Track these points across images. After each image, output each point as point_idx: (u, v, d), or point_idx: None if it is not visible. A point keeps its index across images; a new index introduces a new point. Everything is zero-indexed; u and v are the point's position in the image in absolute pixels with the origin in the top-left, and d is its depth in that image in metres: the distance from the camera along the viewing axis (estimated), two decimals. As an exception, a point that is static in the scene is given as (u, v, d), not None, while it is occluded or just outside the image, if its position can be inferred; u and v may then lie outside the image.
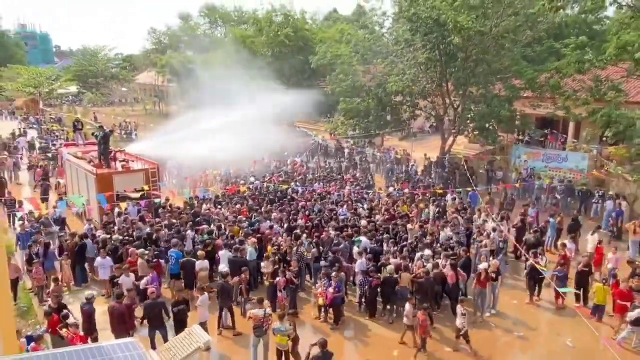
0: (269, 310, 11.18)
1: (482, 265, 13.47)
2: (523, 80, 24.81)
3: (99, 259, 14.62)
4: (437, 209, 19.18)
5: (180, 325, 11.12)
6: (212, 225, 16.99)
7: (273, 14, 39.32)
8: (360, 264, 13.79)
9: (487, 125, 25.63)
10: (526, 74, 24.50)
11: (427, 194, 20.87)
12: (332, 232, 15.67)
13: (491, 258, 14.56)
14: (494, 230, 16.06)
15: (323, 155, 29.11)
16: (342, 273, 13.30)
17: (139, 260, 13.83)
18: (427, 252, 14.13)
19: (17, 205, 20.01)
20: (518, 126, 27.21)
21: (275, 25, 38.78)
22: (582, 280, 13.99)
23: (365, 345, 12.36)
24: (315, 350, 9.58)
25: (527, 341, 12.46)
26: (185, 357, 4.38)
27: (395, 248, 14.67)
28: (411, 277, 13.11)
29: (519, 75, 24.80)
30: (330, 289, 12.71)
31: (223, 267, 13.93)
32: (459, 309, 11.81)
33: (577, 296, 14.17)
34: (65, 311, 11.21)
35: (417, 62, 25.13)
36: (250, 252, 14.44)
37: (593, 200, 21.97)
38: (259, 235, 15.87)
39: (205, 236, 15.67)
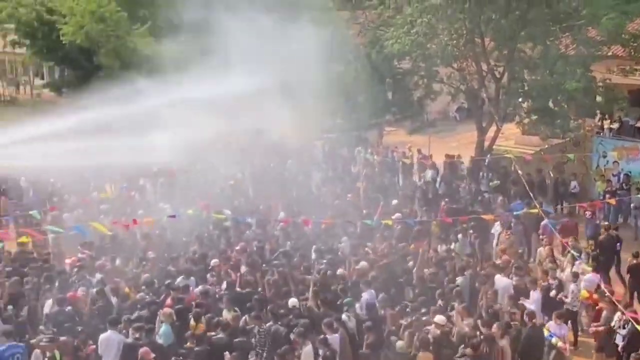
0: None
1: None
2: (603, 30, 19.31)
3: None
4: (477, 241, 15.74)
5: None
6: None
7: None
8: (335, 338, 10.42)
9: (550, 104, 20.48)
10: (607, 20, 18.96)
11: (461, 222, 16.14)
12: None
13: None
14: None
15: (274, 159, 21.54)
16: None
17: None
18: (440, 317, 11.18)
19: None
20: (601, 105, 22.59)
21: None
22: None
23: None
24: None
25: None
26: None
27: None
28: None
29: (597, 22, 19.69)
30: None
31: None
32: None
33: None
34: None
35: (431, 4, 20.24)
36: (164, 332, 10.58)
37: None
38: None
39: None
